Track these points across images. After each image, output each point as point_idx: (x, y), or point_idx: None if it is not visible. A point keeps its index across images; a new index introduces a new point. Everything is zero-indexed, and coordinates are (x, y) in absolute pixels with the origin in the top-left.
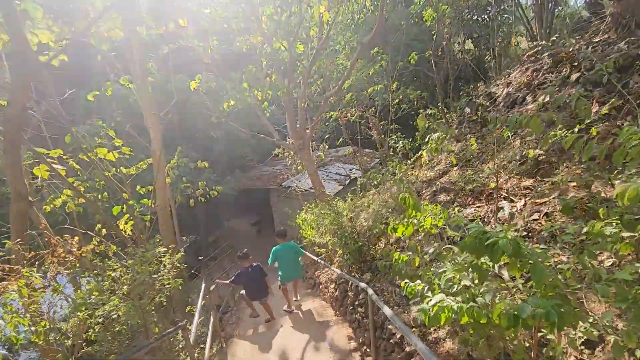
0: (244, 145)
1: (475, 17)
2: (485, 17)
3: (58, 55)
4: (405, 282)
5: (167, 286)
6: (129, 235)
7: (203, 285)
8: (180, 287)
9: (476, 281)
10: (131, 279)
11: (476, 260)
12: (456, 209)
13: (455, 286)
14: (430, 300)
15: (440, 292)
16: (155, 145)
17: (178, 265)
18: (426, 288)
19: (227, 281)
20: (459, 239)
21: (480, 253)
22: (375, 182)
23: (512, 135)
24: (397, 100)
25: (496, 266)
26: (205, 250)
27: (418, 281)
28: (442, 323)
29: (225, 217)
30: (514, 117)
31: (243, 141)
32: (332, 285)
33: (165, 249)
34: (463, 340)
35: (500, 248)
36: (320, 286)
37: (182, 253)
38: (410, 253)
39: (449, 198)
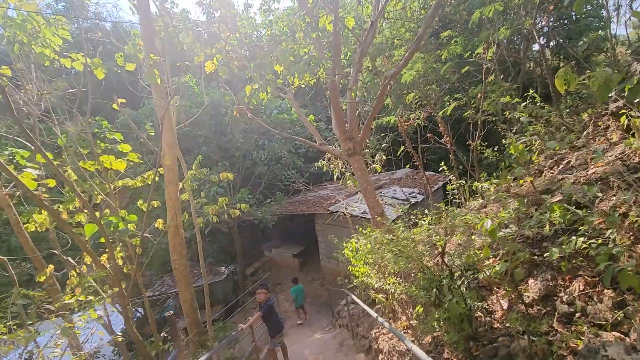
0: (288, 168)
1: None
2: (566, 21)
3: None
4: None
5: None
6: (111, 265)
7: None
8: None
9: None
10: None
11: None
12: None
13: None
14: None
15: None
16: (167, 139)
17: None
18: None
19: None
20: None
21: None
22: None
23: None
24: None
25: None
26: (242, 283)
27: None
28: None
29: (267, 246)
30: None
31: (287, 163)
32: None
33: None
34: None
35: None
36: (380, 356)
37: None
38: None
39: None
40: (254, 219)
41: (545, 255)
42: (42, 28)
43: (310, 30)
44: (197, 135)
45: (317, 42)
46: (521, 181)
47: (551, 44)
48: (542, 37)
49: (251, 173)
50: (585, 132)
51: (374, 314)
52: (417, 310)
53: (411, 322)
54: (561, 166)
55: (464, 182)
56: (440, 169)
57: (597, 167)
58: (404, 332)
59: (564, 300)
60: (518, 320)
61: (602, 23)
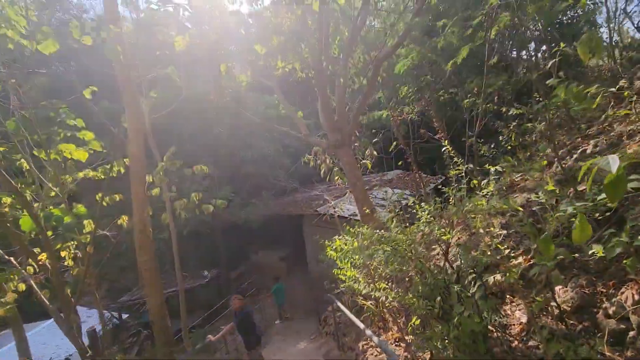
0: (276, 168)
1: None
2: (557, 26)
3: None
4: None
5: None
6: (50, 266)
7: None
8: None
9: None
10: None
11: None
12: None
13: None
14: None
15: None
16: (132, 124)
17: None
18: None
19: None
20: None
21: None
22: None
23: None
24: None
25: None
26: (226, 288)
27: None
28: None
29: (253, 249)
30: None
31: (276, 163)
32: None
33: None
34: None
35: None
36: None
37: None
38: None
39: None
40: (237, 219)
41: (591, 252)
42: (6, 6)
43: (294, 3)
44: (181, 132)
45: (303, 23)
46: (543, 163)
47: (542, 48)
48: (532, 42)
49: (237, 172)
50: (604, 116)
51: (362, 325)
52: (414, 322)
53: (405, 335)
54: (575, 156)
55: (468, 166)
56: (443, 148)
57: (634, 146)
58: (395, 345)
59: (610, 313)
60: (555, 339)
61: (592, 28)
